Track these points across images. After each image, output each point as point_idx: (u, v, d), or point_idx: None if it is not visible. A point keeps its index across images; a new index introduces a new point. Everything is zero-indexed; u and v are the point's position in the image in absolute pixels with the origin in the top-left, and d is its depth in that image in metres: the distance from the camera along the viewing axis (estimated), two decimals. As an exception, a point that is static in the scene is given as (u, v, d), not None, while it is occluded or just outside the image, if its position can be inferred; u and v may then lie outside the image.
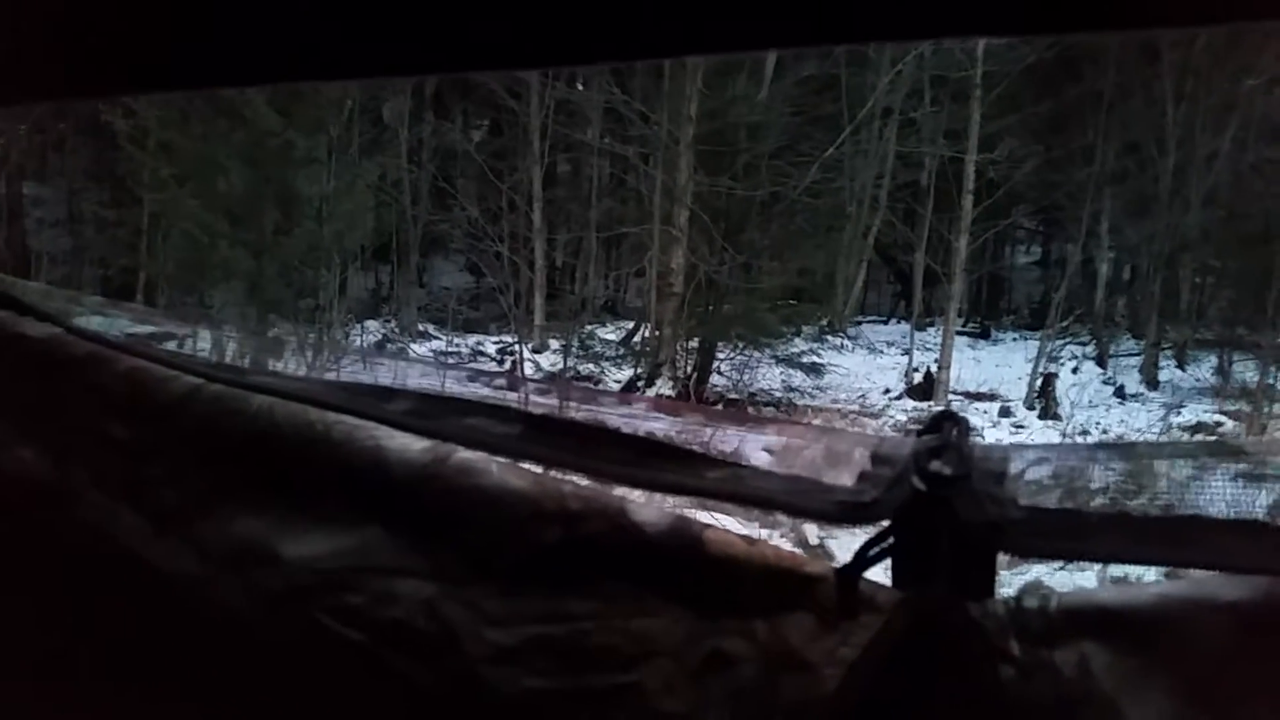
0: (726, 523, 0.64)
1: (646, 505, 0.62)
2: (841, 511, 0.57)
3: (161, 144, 12.38)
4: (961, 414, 0.58)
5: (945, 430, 0.56)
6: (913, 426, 12.33)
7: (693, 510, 0.62)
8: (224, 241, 11.89)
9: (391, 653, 0.64)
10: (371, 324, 15.60)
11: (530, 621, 0.63)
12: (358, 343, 13.83)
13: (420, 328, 16.59)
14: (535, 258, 16.27)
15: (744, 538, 0.62)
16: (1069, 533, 0.54)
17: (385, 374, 12.59)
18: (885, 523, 0.56)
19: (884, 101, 16.06)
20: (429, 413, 0.68)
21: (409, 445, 0.67)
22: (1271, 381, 13.64)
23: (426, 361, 13.99)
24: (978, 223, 15.46)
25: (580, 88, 17.59)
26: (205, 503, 0.72)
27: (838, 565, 0.58)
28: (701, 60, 13.30)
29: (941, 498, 0.53)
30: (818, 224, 15.60)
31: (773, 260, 14.90)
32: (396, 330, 16.24)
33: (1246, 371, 14.58)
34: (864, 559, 0.56)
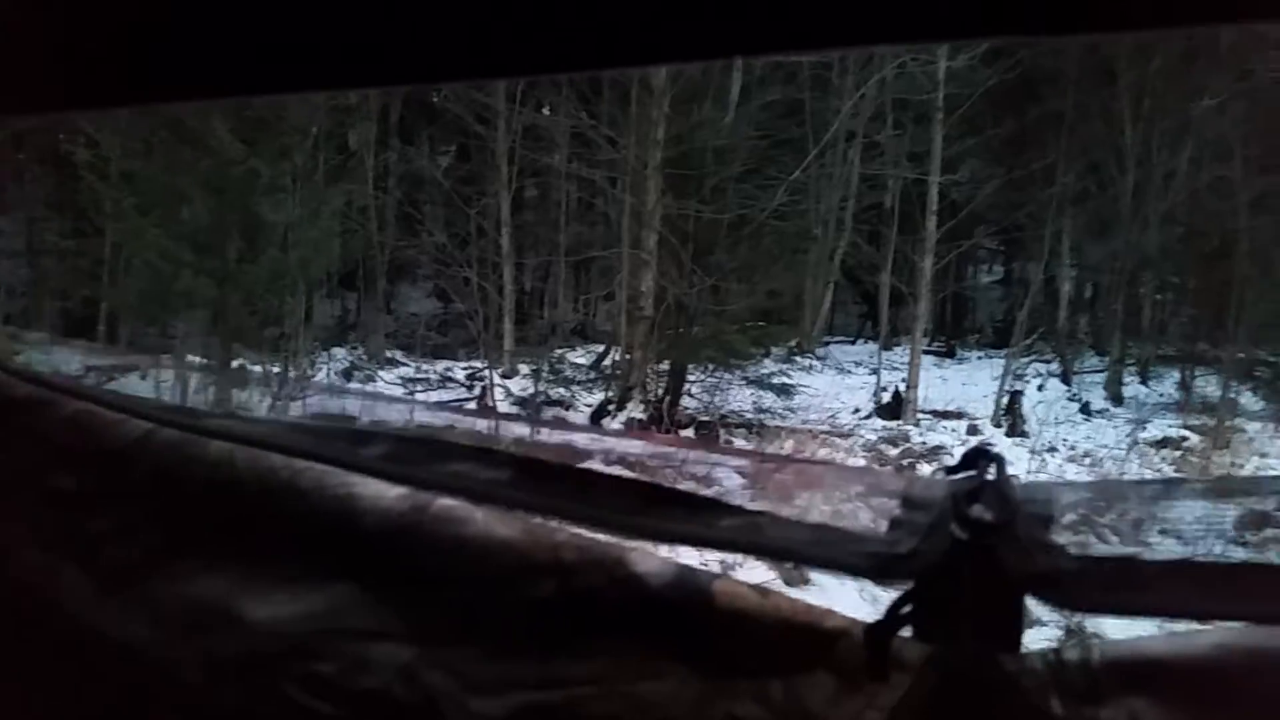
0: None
1: (648, 555, 0.57)
2: (874, 565, 0.50)
3: (123, 174, 12.21)
4: (997, 450, 0.53)
5: (981, 468, 0.50)
6: (882, 444, 12.35)
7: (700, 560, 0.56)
8: (187, 271, 11.72)
9: (367, 727, 0.58)
10: (339, 351, 15.42)
11: (521, 688, 0.57)
12: (324, 370, 13.65)
13: (388, 354, 16.44)
14: (504, 283, 16.19)
15: (756, 589, 0.56)
16: (1127, 584, 0.48)
17: (354, 400, 12.48)
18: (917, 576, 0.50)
19: (848, 125, 16.22)
20: (407, 457, 0.62)
21: (384, 493, 0.61)
22: (1233, 395, 13.84)
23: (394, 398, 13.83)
24: (941, 243, 15.60)
25: (547, 112, 17.64)
26: (158, 560, 0.65)
27: (865, 622, 0.52)
28: (667, 85, 13.38)
29: (985, 547, 0.48)
30: (785, 246, 15.65)
31: (741, 283, 14.92)
32: (364, 357, 16.07)
33: (1208, 386, 14.79)
34: (897, 616, 0.50)
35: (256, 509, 0.63)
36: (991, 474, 0.51)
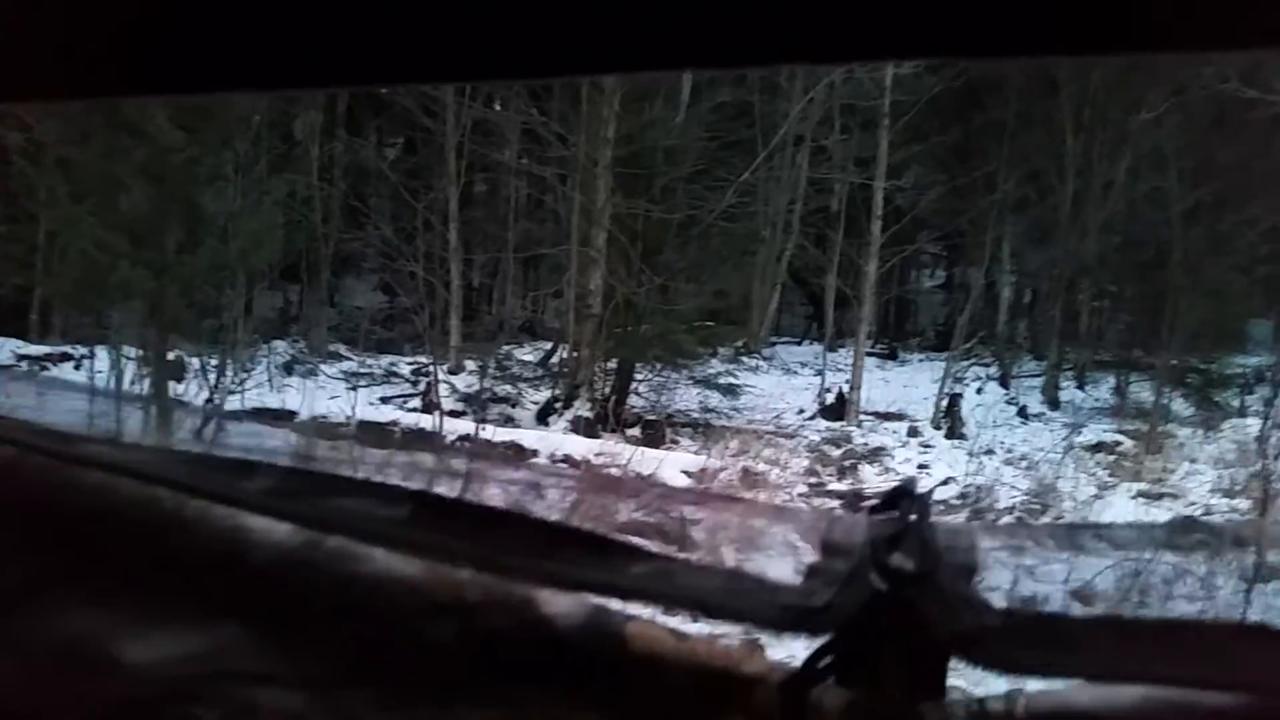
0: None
1: (558, 595, 0.54)
2: (789, 618, 0.48)
3: (58, 159, 11.84)
4: (921, 488, 0.50)
5: (903, 508, 0.48)
6: (825, 445, 12.45)
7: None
8: (123, 260, 11.42)
9: (250, 780, 0.54)
10: (279, 344, 15.12)
11: (420, 736, 0.53)
12: (264, 363, 13.37)
13: (331, 348, 16.17)
14: (451, 278, 16.03)
15: (671, 631, 0.53)
16: (1054, 642, 0.46)
17: (294, 394, 12.26)
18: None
19: (796, 129, 16.33)
20: (296, 491, 0.57)
21: (275, 525, 0.56)
22: (1166, 402, 14.21)
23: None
24: (886, 247, 15.81)
25: (498, 107, 17.51)
26: (27, 595, 0.60)
27: (785, 666, 0.49)
28: (618, 83, 13.34)
29: (905, 600, 0.45)
30: (733, 247, 15.73)
31: (689, 282, 14.96)
32: (306, 351, 15.79)
33: (1143, 392, 15.16)
34: (813, 671, 0.47)
35: (136, 542, 0.58)
36: (914, 516, 0.48)
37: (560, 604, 0.54)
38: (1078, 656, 0.45)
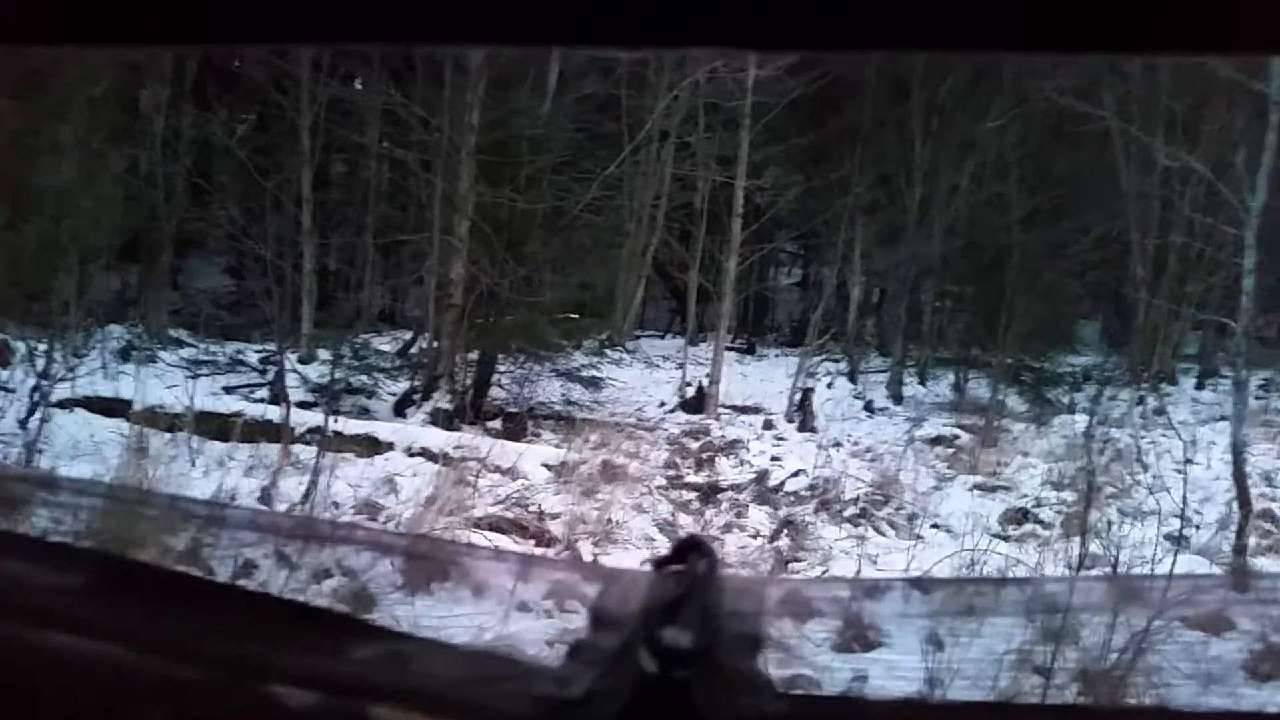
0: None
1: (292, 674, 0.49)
2: (539, 712, 0.43)
3: None
4: (709, 541, 0.48)
5: (691, 564, 0.45)
6: (685, 437, 12.62)
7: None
8: (-60, 237, 10.55)
9: None
10: (115, 329, 14.21)
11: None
12: (98, 349, 12.53)
13: (171, 334, 15.32)
14: (304, 262, 15.43)
15: (427, 715, 0.49)
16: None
17: (129, 382, 11.53)
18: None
19: (661, 124, 16.46)
20: None
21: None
22: (1001, 398, 15.01)
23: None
24: (745, 245, 16.11)
25: (358, 86, 16.99)
26: None
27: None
28: (484, 67, 13.10)
29: (677, 684, 0.41)
30: (598, 240, 15.73)
31: (554, 274, 14.88)
32: (144, 336, 14.90)
33: (980, 388, 15.97)
34: None
35: None
36: (700, 574, 0.45)
37: (296, 684, 0.49)
38: None
